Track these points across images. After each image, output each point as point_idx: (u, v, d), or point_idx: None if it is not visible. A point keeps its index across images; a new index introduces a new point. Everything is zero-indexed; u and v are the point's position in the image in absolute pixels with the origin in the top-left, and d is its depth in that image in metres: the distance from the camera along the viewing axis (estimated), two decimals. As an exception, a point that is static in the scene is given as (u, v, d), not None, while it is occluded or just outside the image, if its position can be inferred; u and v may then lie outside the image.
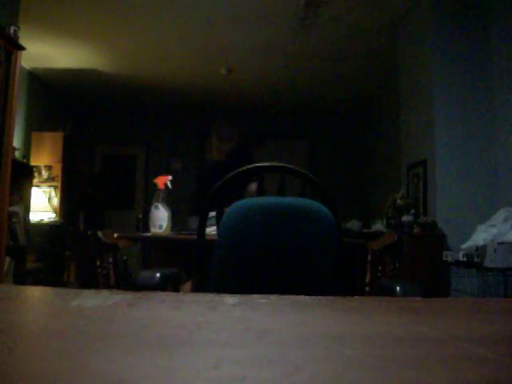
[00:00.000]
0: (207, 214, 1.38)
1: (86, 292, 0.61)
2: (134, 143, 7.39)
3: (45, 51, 5.12)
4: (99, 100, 6.96)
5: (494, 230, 2.91)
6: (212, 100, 6.84)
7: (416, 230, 3.51)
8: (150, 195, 3.07)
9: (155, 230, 2.42)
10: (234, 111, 7.12)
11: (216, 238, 1.27)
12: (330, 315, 0.53)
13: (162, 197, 2.47)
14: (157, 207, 2.44)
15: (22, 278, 4.11)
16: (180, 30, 4.64)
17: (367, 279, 1.96)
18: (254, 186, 3.48)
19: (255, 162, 3.74)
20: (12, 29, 3.27)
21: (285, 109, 7.10)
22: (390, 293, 1.09)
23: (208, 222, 1.67)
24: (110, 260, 2.10)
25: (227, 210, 1.25)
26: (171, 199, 2.59)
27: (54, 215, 5.55)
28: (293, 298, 0.60)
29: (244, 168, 1.31)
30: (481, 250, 2.85)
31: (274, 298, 0.60)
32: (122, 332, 0.41)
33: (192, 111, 7.24)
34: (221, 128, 3.32)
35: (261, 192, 1.34)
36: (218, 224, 1.32)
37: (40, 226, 5.13)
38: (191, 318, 0.49)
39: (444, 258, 3.23)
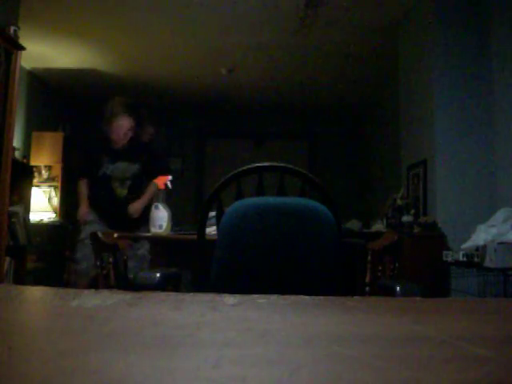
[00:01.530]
0: (207, 214, 1.38)
1: (86, 292, 0.61)
2: (133, 143, 7.38)
3: (45, 51, 5.11)
4: (99, 100, 6.95)
5: (494, 230, 2.91)
6: (212, 100, 6.83)
7: (416, 230, 3.51)
8: (150, 195, 3.08)
9: (155, 230, 2.42)
10: (234, 111, 7.12)
11: (216, 237, 1.27)
12: (330, 315, 0.53)
13: (161, 197, 2.47)
14: (157, 207, 2.45)
15: (22, 278, 4.11)
16: (180, 29, 4.64)
17: (367, 279, 1.96)
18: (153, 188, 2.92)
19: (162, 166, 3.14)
20: (12, 29, 3.27)
21: (285, 109, 7.10)
22: (390, 293, 1.09)
23: (208, 222, 1.67)
24: (110, 260, 2.10)
25: (227, 209, 1.25)
26: (171, 199, 2.60)
27: (54, 215, 5.55)
28: (293, 297, 0.60)
29: (244, 168, 1.31)
30: (481, 250, 2.85)
31: (274, 298, 0.60)
32: (121, 332, 0.41)
33: (192, 111, 7.24)
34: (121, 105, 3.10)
35: (261, 192, 1.34)
36: (217, 224, 1.32)
37: (40, 225, 5.12)
38: (191, 318, 0.49)
39: (444, 258, 3.23)
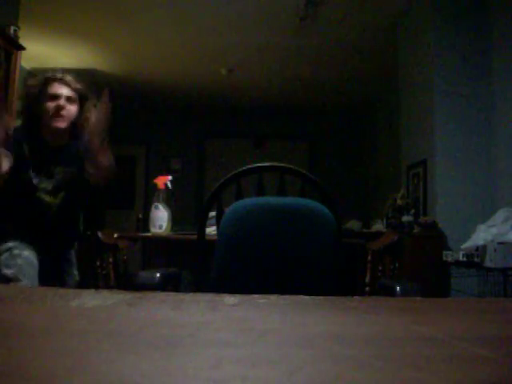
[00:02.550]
0: (207, 214, 1.38)
1: (86, 292, 0.61)
2: (133, 143, 7.38)
3: (45, 51, 5.11)
4: (98, 100, 6.94)
5: (494, 230, 2.91)
6: (212, 100, 6.83)
7: (416, 230, 3.51)
8: (150, 195, 3.06)
9: (155, 230, 2.42)
10: (234, 111, 7.12)
11: (216, 237, 1.27)
12: (330, 315, 0.53)
13: (161, 197, 2.48)
14: (157, 207, 2.45)
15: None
16: (180, 29, 4.64)
17: (367, 279, 1.96)
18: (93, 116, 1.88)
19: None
20: (12, 29, 3.28)
21: (285, 109, 7.10)
22: (390, 293, 1.09)
23: (208, 222, 1.67)
24: (110, 260, 2.10)
25: (227, 209, 1.25)
26: (171, 199, 2.60)
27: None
28: (293, 297, 0.60)
29: (244, 168, 1.31)
30: (481, 250, 2.85)
31: (273, 297, 0.60)
32: (122, 332, 0.41)
33: (192, 111, 7.24)
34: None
35: (261, 192, 1.34)
36: (217, 224, 1.32)
37: (40, 226, 5.11)
38: (191, 318, 0.49)
39: (444, 258, 3.23)
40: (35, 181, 1.93)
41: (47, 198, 1.97)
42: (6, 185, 1.91)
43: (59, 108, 1.89)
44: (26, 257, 1.94)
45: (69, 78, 2.00)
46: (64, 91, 1.93)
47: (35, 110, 1.92)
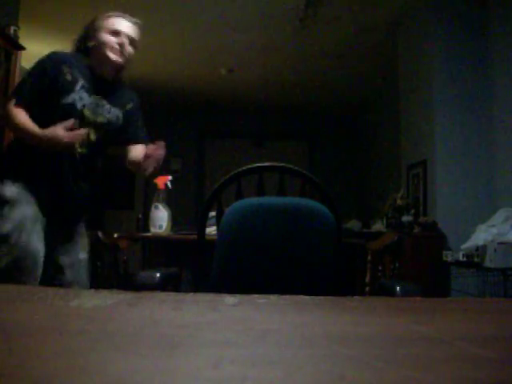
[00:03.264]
0: (207, 214, 1.38)
1: (86, 292, 0.61)
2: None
3: (45, 51, 5.10)
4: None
5: (494, 230, 2.91)
6: (212, 100, 6.83)
7: (416, 230, 3.51)
8: (150, 195, 3.06)
9: (155, 230, 2.42)
10: (234, 111, 7.12)
11: (216, 237, 1.27)
12: (330, 315, 0.53)
13: (161, 197, 2.48)
14: (157, 207, 2.45)
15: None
16: (180, 29, 4.64)
17: (367, 279, 1.96)
18: None
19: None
20: (12, 29, 3.28)
21: (285, 109, 7.10)
22: (390, 293, 1.09)
23: (208, 222, 1.67)
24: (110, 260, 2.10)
25: (227, 209, 1.25)
26: (171, 199, 2.60)
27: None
28: (293, 298, 0.60)
29: (244, 168, 1.31)
30: (481, 250, 2.85)
31: (274, 298, 0.60)
32: (122, 332, 0.41)
33: (192, 111, 7.24)
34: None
35: (261, 192, 1.34)
36: (217, 224, 1.32)
37: (40, 226, 5.10)
38: (191, 318, 0.49)
39: (444, 258, 3.23)
40: (80, 105, 1.77)
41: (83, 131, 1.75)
42: (45, 119, 1.72)
43: (120, 44, 1.86)
44: (25, 210, 1.66)
45: (133, 20, 2.02)
46: (127, 30, 1.93)
47: (92, 39, 1.87)
